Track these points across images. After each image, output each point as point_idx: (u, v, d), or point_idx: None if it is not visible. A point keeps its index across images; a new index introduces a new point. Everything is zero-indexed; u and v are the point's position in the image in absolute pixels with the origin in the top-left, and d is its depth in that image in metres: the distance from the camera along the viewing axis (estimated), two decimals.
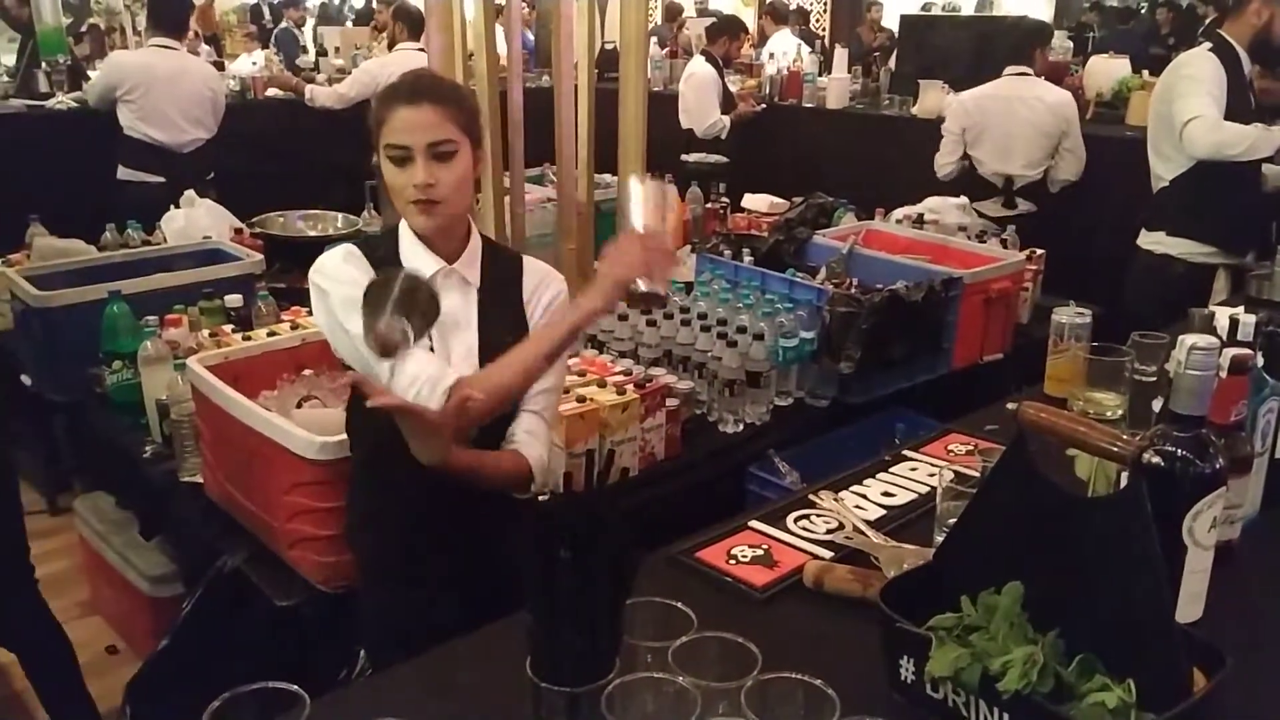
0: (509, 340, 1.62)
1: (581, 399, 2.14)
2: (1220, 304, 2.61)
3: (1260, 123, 3.23)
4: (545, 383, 1.67)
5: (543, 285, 1.74)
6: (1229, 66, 3.24)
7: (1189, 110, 3.18)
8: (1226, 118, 3.19)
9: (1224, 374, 1.25)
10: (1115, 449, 1.19)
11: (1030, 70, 4.44)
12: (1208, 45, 3.30)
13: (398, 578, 1.73)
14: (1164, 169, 3.38)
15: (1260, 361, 1.45)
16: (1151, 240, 3.46)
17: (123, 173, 4.52)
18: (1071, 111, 4.35)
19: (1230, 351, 1.27)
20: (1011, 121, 4.36)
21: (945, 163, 4.61)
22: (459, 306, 1.65)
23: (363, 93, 5.37)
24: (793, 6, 10.46)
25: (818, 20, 12.53)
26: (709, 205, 4.22)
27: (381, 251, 1.64)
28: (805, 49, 7.89)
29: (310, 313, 2.81)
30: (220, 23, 11.90)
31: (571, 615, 0.91)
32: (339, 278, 1.59)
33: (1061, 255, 3.65)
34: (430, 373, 1.52)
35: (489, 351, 1.63)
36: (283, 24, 10.37)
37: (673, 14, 10.31)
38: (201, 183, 4.28)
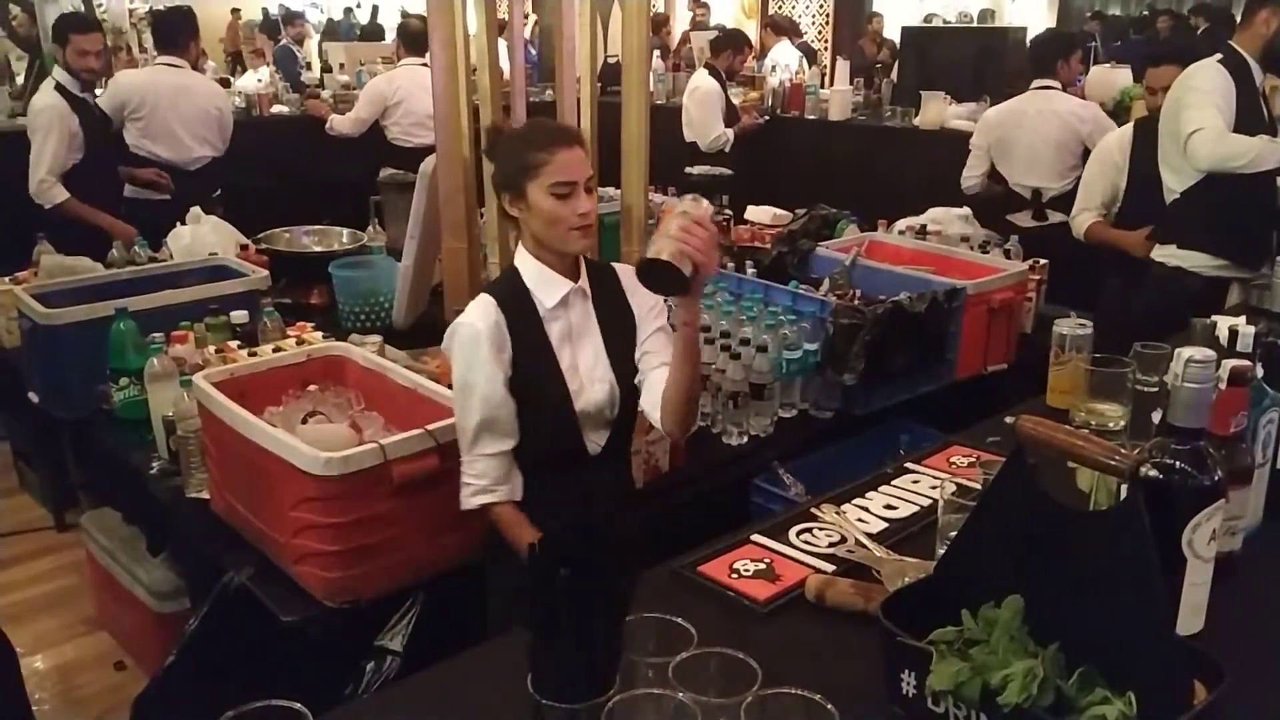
0: (625, 339, 1.90)
1: None
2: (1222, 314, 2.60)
3: (1274, 133, 3.21)
4: (664, 355, 1.87)
5: (634, 283, 1.90)
6: (1239, 77, 3.21)
7: (1193, 122, 3.16)
8: (1238, 129, 3.15)
9: (1223, 385, 1.25)
10: (1112, 463, 1.19)
11: (1055, 83, 4.40)
12: (1217, 56, 3.27)
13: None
14: (1175, 181, 3.33)
15: (1260, 372, 1.45)
16: (1164, 253, 3.40)
17: (129, 190, 4.54)
18: (1091, 124, 4.28)
19: (1229, 363, 1.27)
20: (1032, 135, 4.34)
21: (969, 176, 4.58)
22: (582, 318, 1.90)
23: (374, 112, 5.40)
24: (790, 17, 10.50)
25: (820, 33, 12.56)
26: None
27: (506, 290, 1.87)
28: (805, 61, 7.92)
29: (315, 328, 2.85)
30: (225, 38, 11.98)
31: (572, 632, 0.92)
32: (461, 361, 1.83)
33: (1070, 264, 3.65)
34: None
35: (613, 351, 1.89)
36: (281, 41, 10.37)
37: (659, 24, 10.27)
38: (207, 200, 4.30)
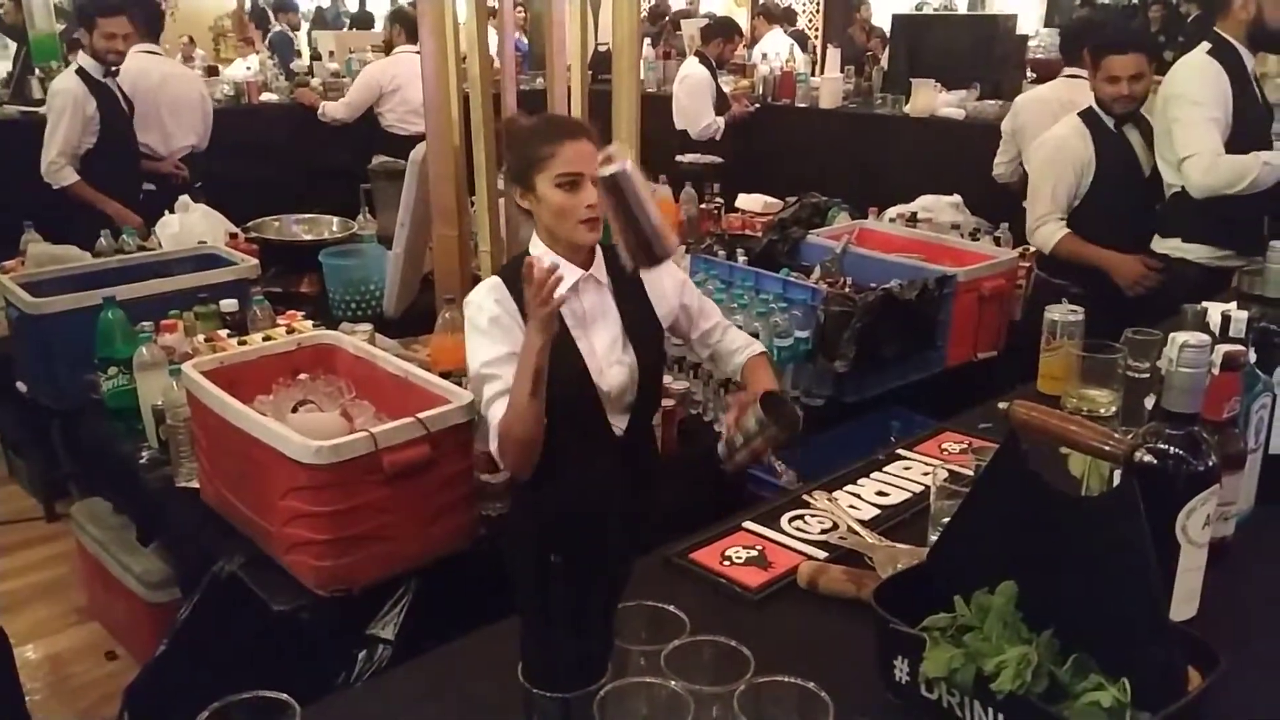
0: (645, 322, 1.98)
1: None
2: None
3: (1270, 117, 3.17)
4: (711, 319, 2.12)
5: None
6: (1230, 65, 3.16)
7: (1185, 145, 3.08)
8: (1236, 118, 3.10)
9: (1216, 370, 1.25)
10: (1107, 448, 1.19)
11: (1082, 72, 4.08)
12: (1206, 47, 3.22)
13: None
14: (1172, 175, 3.25)
15: (1252, 357, 1.45)
16: (1167, 245, 3.32)
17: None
18: None
19: (1222, 348, 1.27)
20: (1050, 124, 4.02)
21: (998, 164, 4.46)
22: (596, 304, 1.94)
23: (367, 99, 5.39)
24: (784, 5, 10.43)
25: (810, 20, 12.51)
26: (703, 205, 4.21)
27: (516, 274, 1.86)
28: (797, 49, 7.89)
29: (305, 316, 2.84)
30: (214, 26, 11.90)
31: (563, 620, 0.91)
32: (473, 306, 1.90)
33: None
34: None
35: (633, 335, 1.96)
36: (276, 28, 10.31)
37: (656, 15, 10.17)
38: (190, 190, 4.28)
